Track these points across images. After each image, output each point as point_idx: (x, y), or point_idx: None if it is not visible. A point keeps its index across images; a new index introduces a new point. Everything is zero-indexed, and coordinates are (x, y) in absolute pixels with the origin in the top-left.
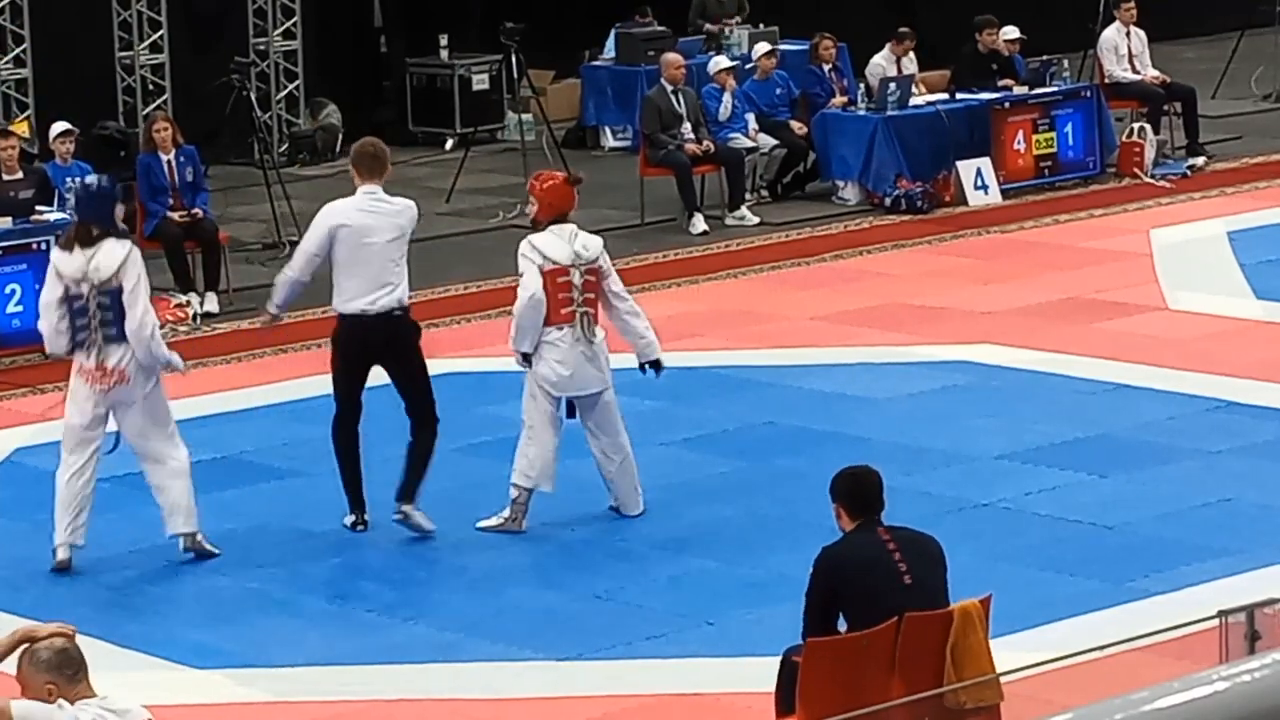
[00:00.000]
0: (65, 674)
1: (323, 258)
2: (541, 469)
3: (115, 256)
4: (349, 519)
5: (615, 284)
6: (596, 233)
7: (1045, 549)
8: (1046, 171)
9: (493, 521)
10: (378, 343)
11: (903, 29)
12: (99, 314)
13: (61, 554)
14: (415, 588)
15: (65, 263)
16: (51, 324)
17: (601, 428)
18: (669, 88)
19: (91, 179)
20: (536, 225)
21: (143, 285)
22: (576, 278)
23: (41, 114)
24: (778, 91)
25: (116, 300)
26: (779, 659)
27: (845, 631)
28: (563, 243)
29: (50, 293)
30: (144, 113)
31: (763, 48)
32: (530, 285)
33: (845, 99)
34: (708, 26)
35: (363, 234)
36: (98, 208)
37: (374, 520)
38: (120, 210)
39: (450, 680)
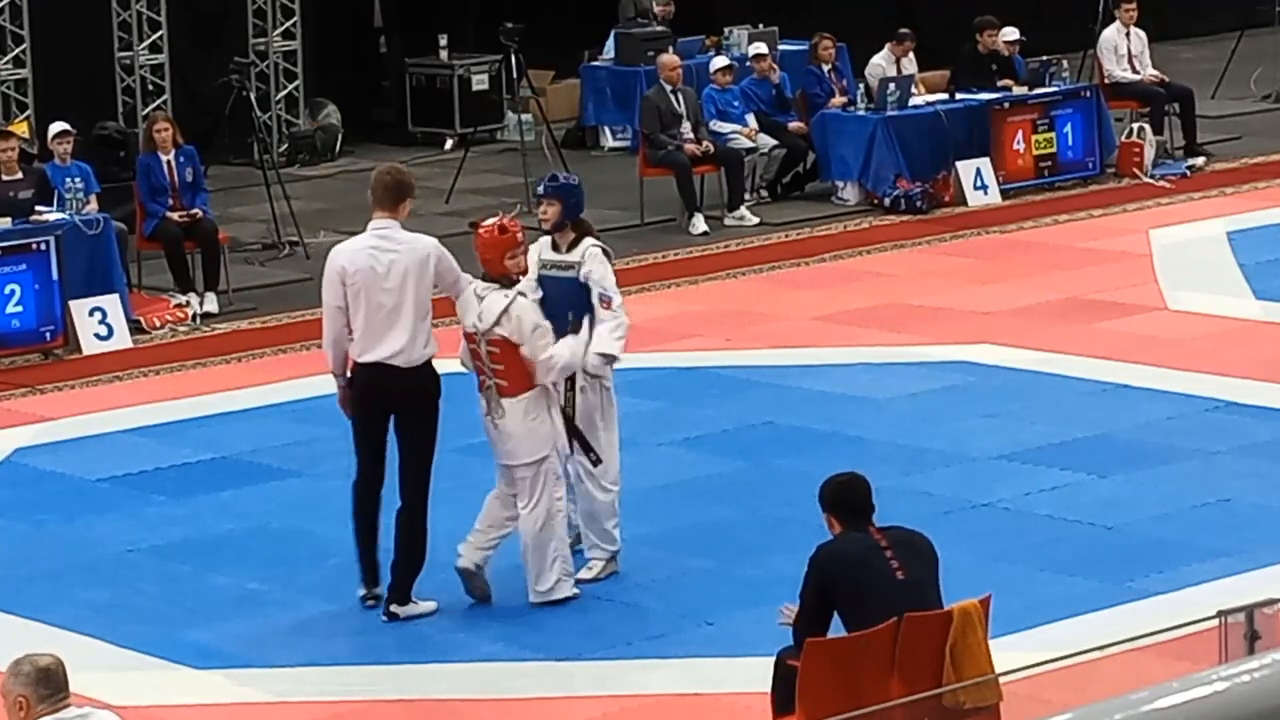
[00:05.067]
0: (41, 692)
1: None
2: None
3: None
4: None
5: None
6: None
7: (1045, 549)
8: (1046, 172)
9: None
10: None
11: (902, 30)
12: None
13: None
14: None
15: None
16: None
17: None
18: (668, 88)
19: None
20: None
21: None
22: (482, 348)
23: (41, 114)
24: (773, 90)
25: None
26: (774, 659)
27: (841, 629)
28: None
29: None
30: (144, 113)
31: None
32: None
33: (845, 99)
34: (658, 8)
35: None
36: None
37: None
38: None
39: (450, 680)
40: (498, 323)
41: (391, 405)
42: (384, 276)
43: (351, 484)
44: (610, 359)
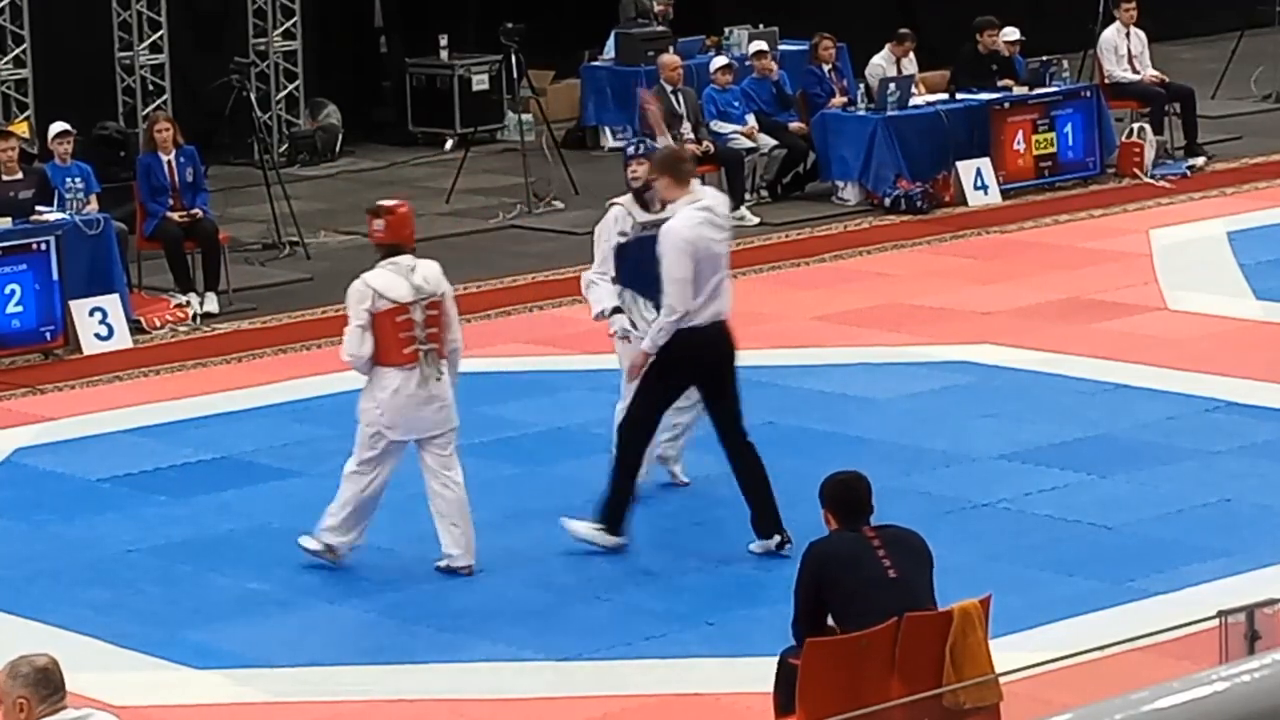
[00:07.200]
0: (41, 692)
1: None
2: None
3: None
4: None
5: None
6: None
7: (1045, 549)
8: (1046, 172)
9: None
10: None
11: (903, 30)
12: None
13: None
14: (415, 588)
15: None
16: None
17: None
18: (668, 88)
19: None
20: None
21: None
22: (418, 315)
23: (41, 114)
24: (773, 90)
25: None
26: (777, 659)
27: (832, 627)
28: (400, 278)
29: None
30: (144, 113)
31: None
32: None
33: (845, 99)
34: (658, 8)
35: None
36: None
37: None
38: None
39: (450, 680)
40: (438, 284)
41: (724, 358)
42: (715, 243)
43: (626, 433)
44: None
